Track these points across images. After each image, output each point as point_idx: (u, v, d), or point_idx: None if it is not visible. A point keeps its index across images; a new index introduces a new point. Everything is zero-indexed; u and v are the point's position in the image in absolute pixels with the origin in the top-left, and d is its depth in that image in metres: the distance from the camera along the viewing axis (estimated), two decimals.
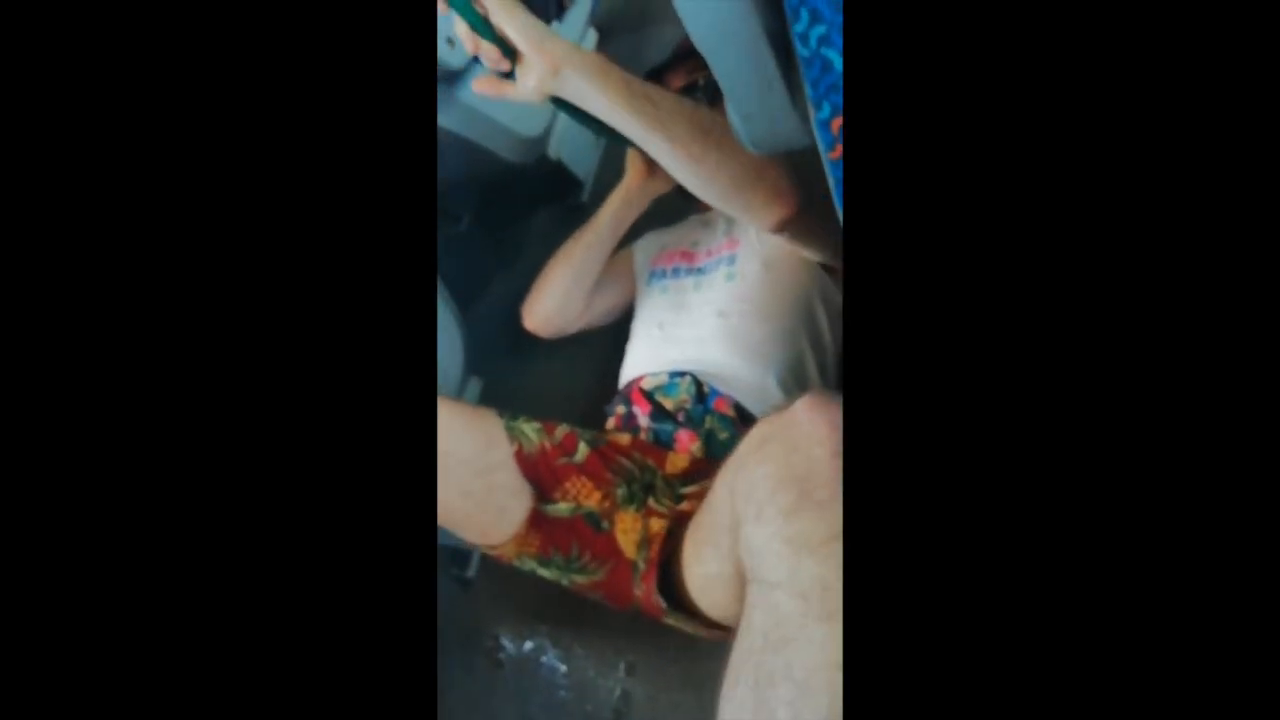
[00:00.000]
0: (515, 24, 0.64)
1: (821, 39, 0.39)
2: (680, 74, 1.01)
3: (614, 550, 0.75)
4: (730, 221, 1.01)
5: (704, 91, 0.98)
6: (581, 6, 1.25)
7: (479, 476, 0.76)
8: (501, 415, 0.81)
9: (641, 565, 0.73)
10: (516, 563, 0.80)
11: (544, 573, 0.79)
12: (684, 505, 0.75)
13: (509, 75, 0.67)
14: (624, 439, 0.84)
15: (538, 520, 0.78)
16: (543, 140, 1.18)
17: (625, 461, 0.80)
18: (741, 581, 0.53)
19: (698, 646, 0.83)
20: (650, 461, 0.81)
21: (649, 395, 0.88)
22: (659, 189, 1.03)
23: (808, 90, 0.42)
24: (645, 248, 1.09)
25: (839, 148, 0.41)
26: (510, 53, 0.65)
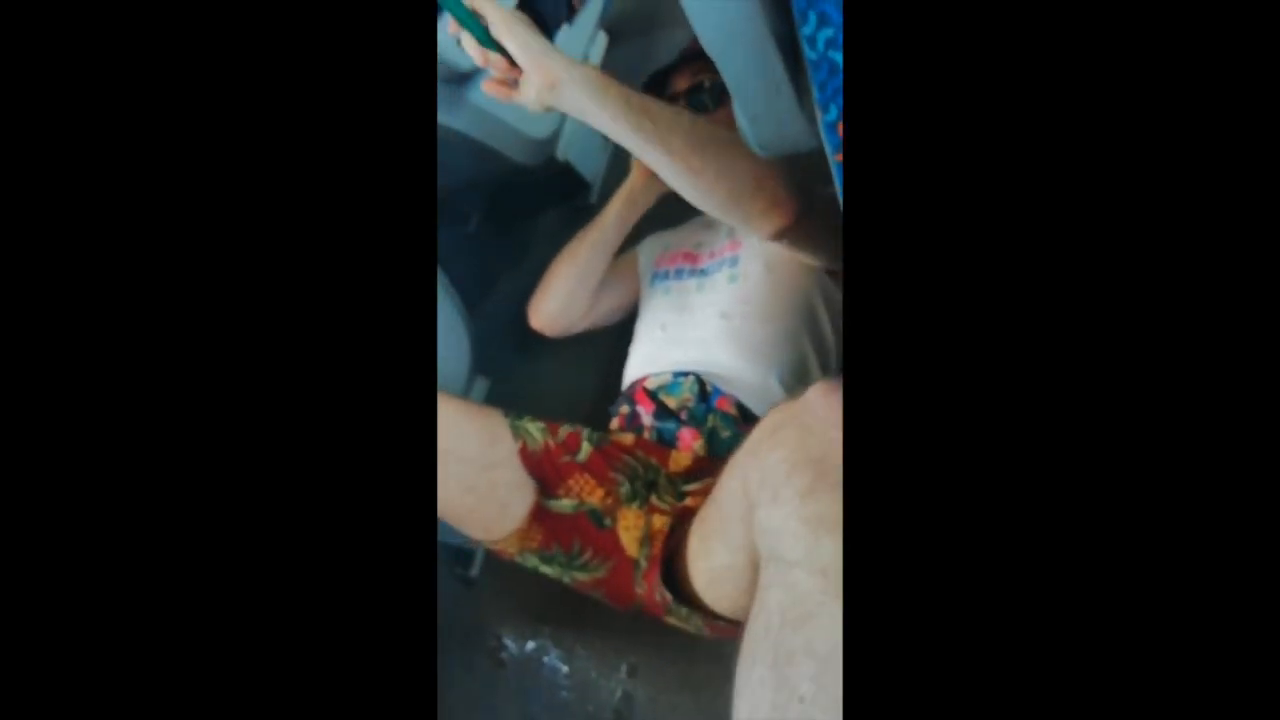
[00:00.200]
0: (514, 40, 0.65)
1: (829, 42, 0.39)
2: (685, 75, 1.01)
3: (616, 547, 0.76)
4: None
5: (709, 93, 0.98)
6: (591, 9, 1.26)
7: (483, 473, 0.77)
8: (506, 414, 0.82)
9: (644, 563, 0.73)
10: (519, 559, 0.80)
11: (546, 569, 0.79)
12: (687, 502, 0.76)
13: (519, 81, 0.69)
14: (627, 438, 0.84)
15: (540, 515, 0.78)
16: (551, 142, 1.18)
17: (628, 459, 0.81)
18: (751, 573, 0.53)
19: (698, 648, 0.84)
20: (653, 459, 0.81)
21: (653, 395, 0.88)
22: (663, 186, 1.03)
23: (815, 93, 0.42)
24: (649, 249, 1.10)
25: None
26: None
